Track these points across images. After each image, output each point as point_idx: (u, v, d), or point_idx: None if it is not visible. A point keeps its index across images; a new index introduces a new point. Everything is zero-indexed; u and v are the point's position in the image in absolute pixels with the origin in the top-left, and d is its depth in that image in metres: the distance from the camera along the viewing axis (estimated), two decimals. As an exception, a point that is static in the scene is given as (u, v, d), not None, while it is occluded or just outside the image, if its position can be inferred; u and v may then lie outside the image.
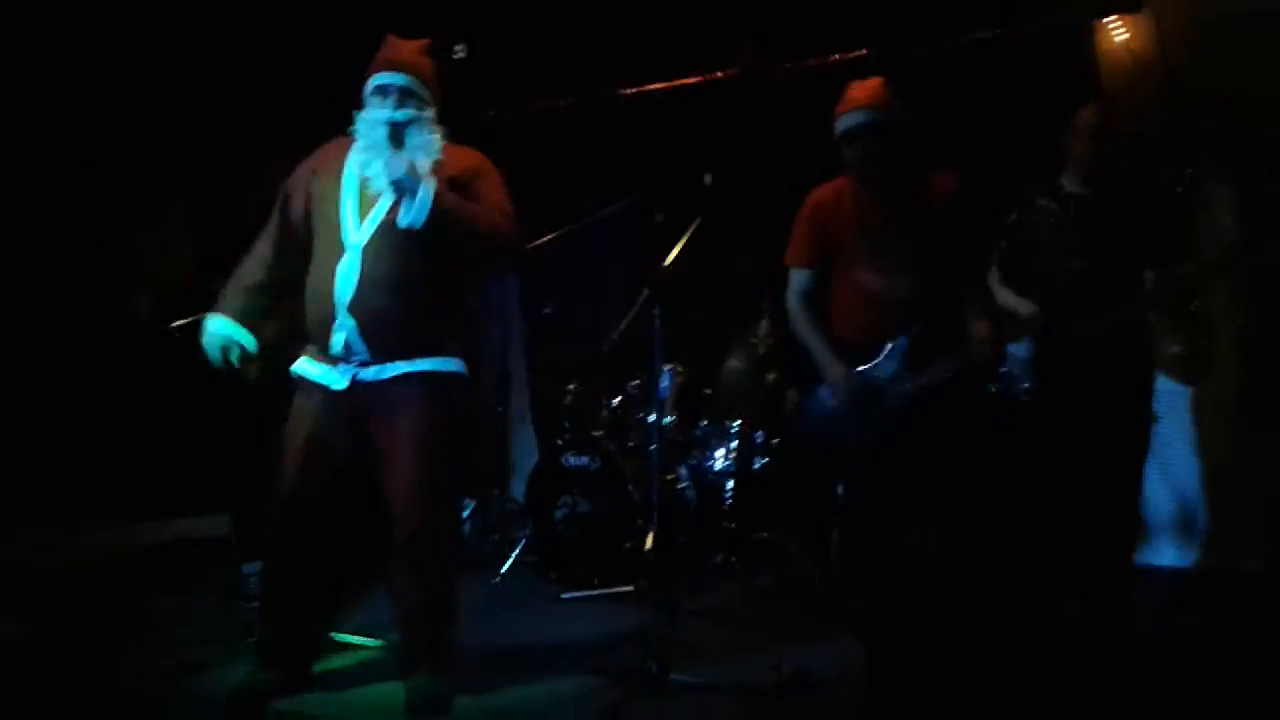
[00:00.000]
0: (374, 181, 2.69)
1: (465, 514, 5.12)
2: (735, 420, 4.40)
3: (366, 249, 2.70)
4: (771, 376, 4.41)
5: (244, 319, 2.85)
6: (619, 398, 4.46)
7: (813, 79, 4.60)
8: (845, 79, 3.13)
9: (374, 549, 2.79)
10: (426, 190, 2.62)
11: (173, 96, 4.71)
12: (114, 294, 4.53)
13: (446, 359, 2.79)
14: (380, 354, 2.71)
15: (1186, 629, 3.37)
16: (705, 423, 4.52)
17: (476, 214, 2.73)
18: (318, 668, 2.90)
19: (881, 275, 3.07)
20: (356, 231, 2.72)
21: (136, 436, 4.59)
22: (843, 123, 3.05)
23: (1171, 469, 4.10)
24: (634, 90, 5.26)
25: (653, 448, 3.56)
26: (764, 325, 4.49)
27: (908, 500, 3.04)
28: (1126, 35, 4.21)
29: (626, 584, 3.83)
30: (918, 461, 2.99)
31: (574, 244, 4.57)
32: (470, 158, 2.84)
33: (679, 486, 4.28)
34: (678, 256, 3.27)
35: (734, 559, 4.14)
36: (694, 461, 4.44)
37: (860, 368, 3.09)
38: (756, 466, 4.38)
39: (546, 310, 5.03)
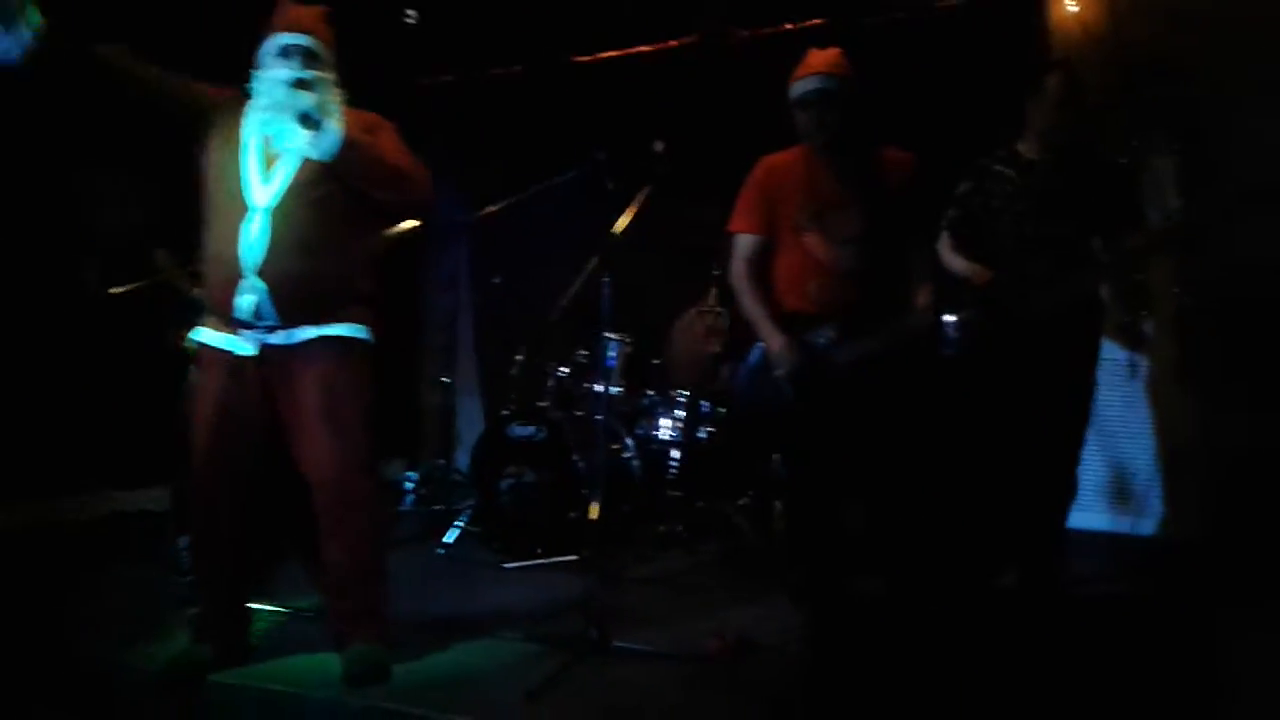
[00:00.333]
0: (276, 139, 2.64)
1: (410, 485, 5.08)
2: (682, 390, 4.40)
3: (276, 211, 2.64)
4: (718, 347, 4.41)
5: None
6: (566, 368, 4.43)
7: (767, 48, 4.59)
8: (800, 49, 3.10)
9: (298, 515, 2.74)
10: (335, 123, 2.60)
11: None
12: (59, 263, 4.36)
13: (355, 325, 2.75)
14: (290, 319, 2.66)
15: (1117, 594, 3.43)
16: (652, 393, 4.52)
17: (384, 151, 2.71)
18: (255, 639, 2.86)
19: (830, 245, 3.05)
20: (263, 192, 2.66)
21: (82, 408, 4.46)
22: (797, 88, 3.03)
23: (1108, 435, 4.18)
24: (587, 58, 5.20)
25: (599, 418, 3.53)
26: (712, 295, 4.49)
27: (849, 470, 3.05)
28: (1077, 6, 4.24)
29: (571, 554, 3.82)
30: (859, 431, 2.99)
31: (524, 213, 4.53)
32: (369, 117, 2.81)
33: (624, 456, 4.27)
34: (627, 225, 3.24)
35: (679, 528, 4.14)
36: (640, 431, 4.43)
37: (803, 336, 3.07)
38: (702, 436, 4.39)
39: (495, 280, 4.97)
